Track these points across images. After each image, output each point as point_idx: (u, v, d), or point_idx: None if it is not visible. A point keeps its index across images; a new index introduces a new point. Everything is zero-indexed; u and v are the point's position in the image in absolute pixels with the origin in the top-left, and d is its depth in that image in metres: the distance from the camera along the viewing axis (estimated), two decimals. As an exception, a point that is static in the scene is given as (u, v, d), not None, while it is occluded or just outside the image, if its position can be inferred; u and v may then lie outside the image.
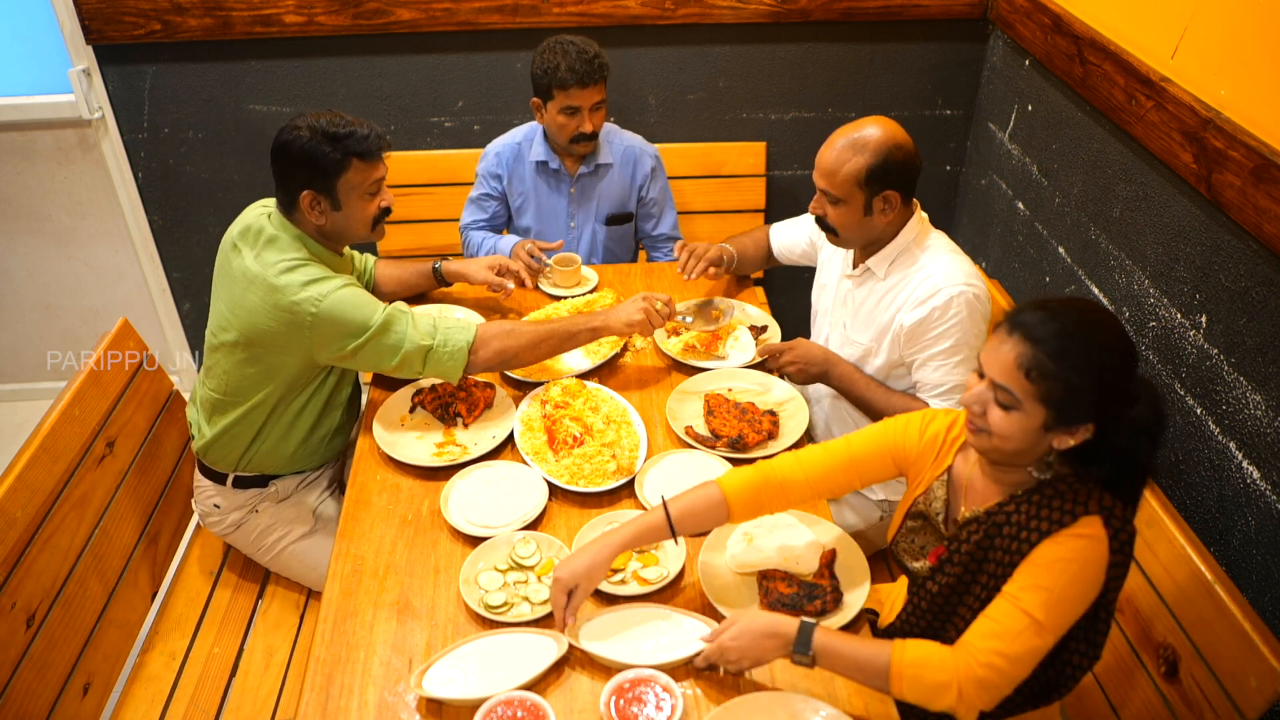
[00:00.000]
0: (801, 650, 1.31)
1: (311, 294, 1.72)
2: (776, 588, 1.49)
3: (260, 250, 1.77)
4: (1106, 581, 1.27)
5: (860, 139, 1.76)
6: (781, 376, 2.01)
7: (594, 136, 2.38)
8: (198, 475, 1.99)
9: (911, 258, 1.85)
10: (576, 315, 1.99)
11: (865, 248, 1.90)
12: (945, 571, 1.40)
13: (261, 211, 1.84)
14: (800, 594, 1.48)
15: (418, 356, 1.79)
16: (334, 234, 1.82)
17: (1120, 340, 1.26)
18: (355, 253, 2.16)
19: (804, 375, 1.95)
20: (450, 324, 1.83)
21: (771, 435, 1.85)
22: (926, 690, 1.26)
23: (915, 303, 1.81)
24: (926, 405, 1.83)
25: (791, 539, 1.58)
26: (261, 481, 1.96)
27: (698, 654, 1.38)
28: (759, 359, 2.02)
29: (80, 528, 1.74)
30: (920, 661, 1.27)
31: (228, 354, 1.82)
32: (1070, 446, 1.27)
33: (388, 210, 1.85)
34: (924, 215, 1.89)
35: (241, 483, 1.95)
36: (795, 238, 2.24)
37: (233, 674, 1.86)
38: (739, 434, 1.82)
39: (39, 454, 1.65)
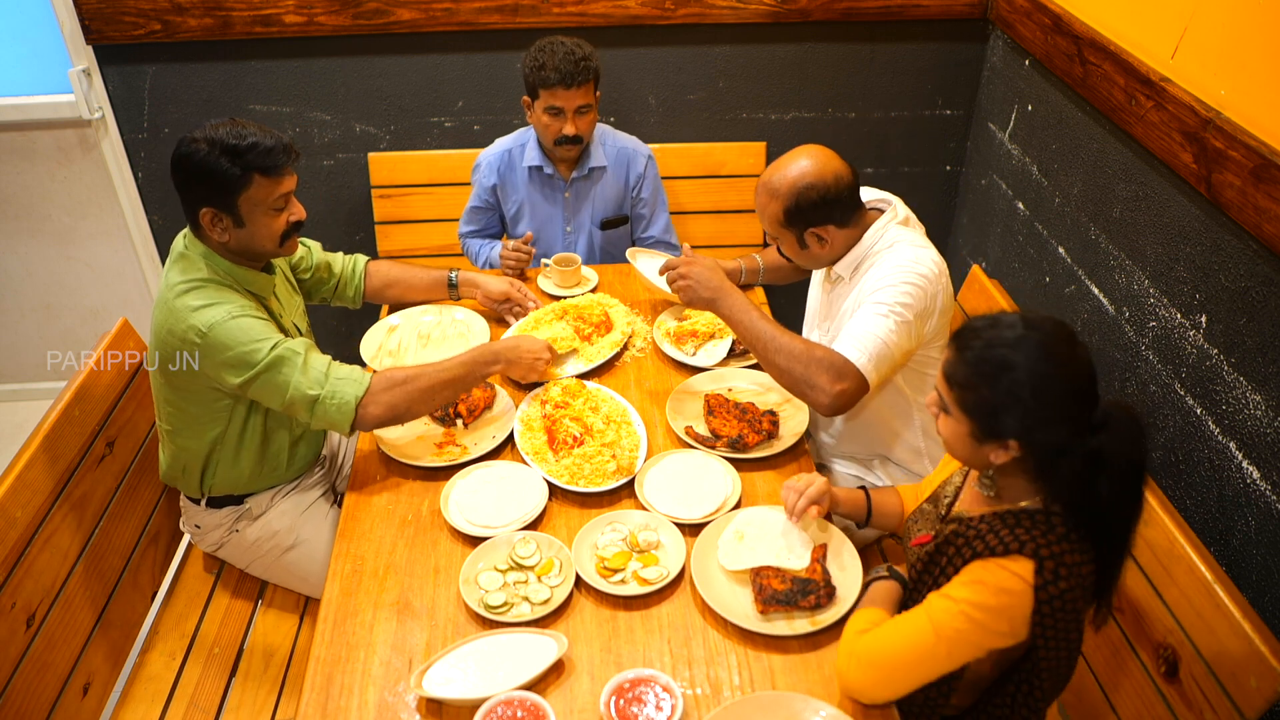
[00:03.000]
0: (875, 572, 1.50)
1: (198, 321, 1.63)
2: (770, 584, 1.50)
3: (169, 268, 1.72)
4: (1031, 630, 1.25)
5: (771, 184, 1.78)
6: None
7: (578, 141, 2.35)
8: (181, 497, 1.95)
9: (875, 259, 1.82)
10: (476, 354, 1.85)
11: (834, 261, 1.89)
12: (914, 569, 1.44)
13: (180, 238, 1.76)
14: (794, 590, 1.48)
15: (303, 405, 1.68)
16: (240, 251, 1.72)
17: (1052, 364, 1.22)
18: (341, 254, 2.15)
19: (692, 296, 1.86)
20: (343, 374, 1.71)
21: (771, 435, 1.85)
22: (840, 645, 1.38)
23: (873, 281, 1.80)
24: (813, 345, 1.77)
25: (782, 535, 1.58)
26: (236, 500, 1.89)
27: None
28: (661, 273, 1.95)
29: (80, 527, 1.74)
30: (846, 628, 1.38)
31: (155, 378, 1.77)
32: (1003, 461, 1.28)
33: (298, 224, 1.75)
34: (902, 213, 1.86)
35: (215, 503, 1.89)
36: None
37: (232, 674, 1.86)
38: (739, 434, 1.82)
39: (39, 454, 1.66)
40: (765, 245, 2.20)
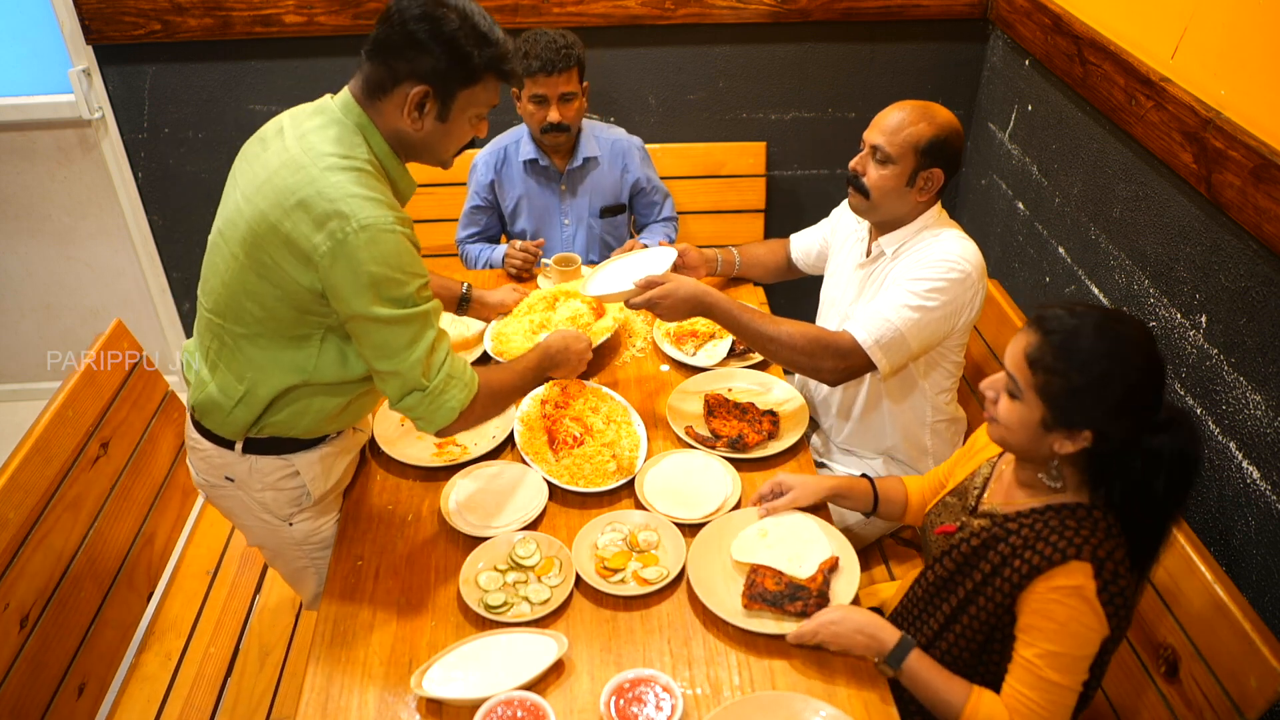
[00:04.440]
0: (893, 663, 1.36)
1: (357, 208, 1.33)
2: (763, 583, 1.49)
3: (310, 130, 1.41)
4: (1108, 621, 1.27)
5: (930, 110, 1.78)
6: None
7: (565, 129, 2.36)
8: (195, 431, 1.61)
9: (920, 240, 1.84)
10: (540, 360, 1.76)
11: (883, 230, 1.89)
12: (944, 564, 1.42)
13: (321, 99, 1.49)
14: (784, 593, 1.48)
15: (401, 384, 1.45)
16: (415, 146, 1.48)
17: (1138, 355, 1.24)
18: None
19: (677, 314, 1.82)
20: (457, 372, 1.49)
21: (772, 435, 1.85)
22: None
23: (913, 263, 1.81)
24: (821, 329, 1.79)
25: (802, 541, 1.58)
26: (278, 447, 1.59)
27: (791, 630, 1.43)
28: (638, 312, 1.91)
29: (75, 528, 1.74)
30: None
31: (238, 273, 1.43)
32: (1069, 452, 1.28)
33: (477, 141, 1.55)
34: (944, 211, 1.90)
35: (255, 447, 1.58)
36: (811, 240, 2.23)
37: (228, 674, 1.86)
38: (739, 434, 1.82)
39: (31, 455, 1.65)
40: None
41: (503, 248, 2.47)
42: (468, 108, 1.45)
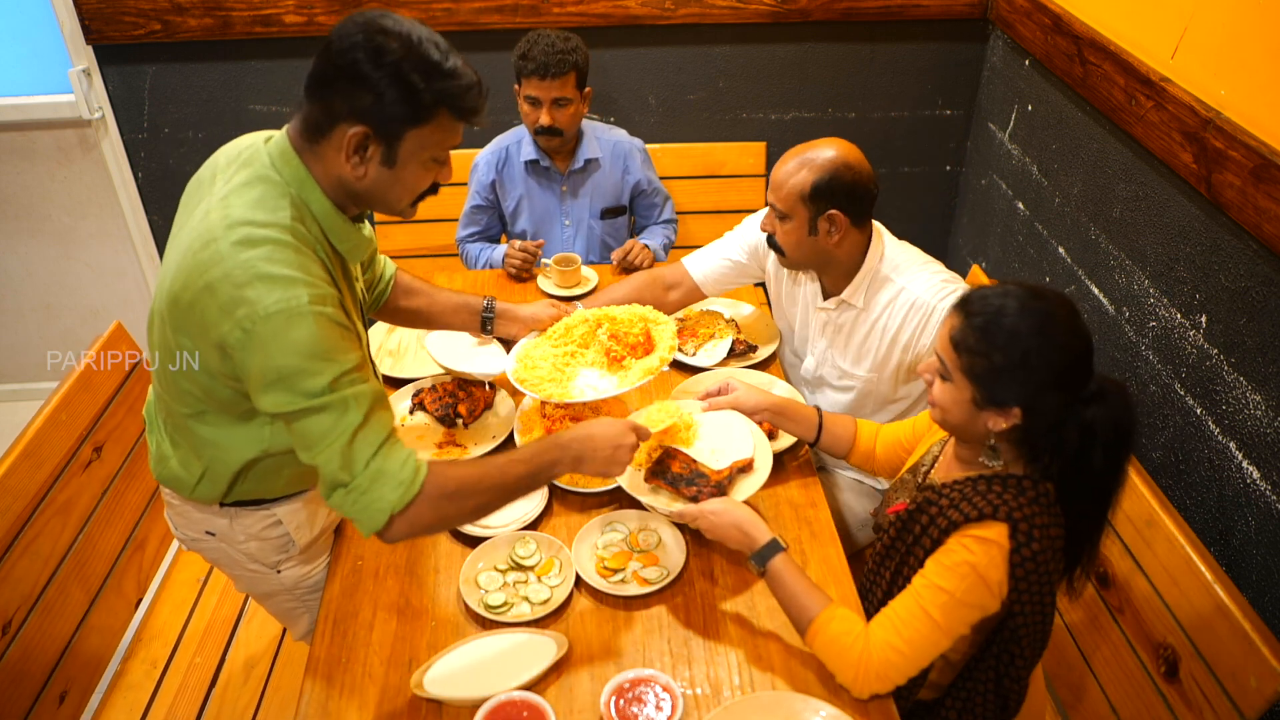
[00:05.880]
0: (758, 561, 1.42)
1: (265, 296, 1.17)
2: (671, 463, 1.53)
3: (231, 192, 1.24)
4: (1009, 594, 1.27)
5: (809, 157, 1.76)
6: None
7: (557, 132, 2.36)
8: (170, 494, 1.53)
9: (885, 282, 1.83)
10: (542, 455, 1.40)
11: (826, 275, 1.89)
12: (888, 534, 1.45)
13: (256, 140, 1.32)
14: (684, 476, 1.52)
15: (324, 482, 1.26)
16: (361, 196, 1.30)
17: (1060, 333, 1.26)
18: (374, 247, 1.63)
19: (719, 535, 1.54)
20: (392, 468, 1.25)
21: (771, 435, 1.84)
22: (830, 660, 1.35)
23: (919, 328, 1.80)
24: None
25: (729, 439, 1.62)
26: (258, 502, 1.51)
27: (680, 509, 1.50)
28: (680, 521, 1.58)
29: (63, 533, 1.72)
30: (835, 637, 1.34)
31: (174, 347, 1.30)
32: (1002, 429, 1.30)
33: (437, 188, 1.34)
34: (882, 233, 1.88)
35: (237, 504, 1.50)
36: (720, 263, 2.05)
37: (212, 685, 1.84)
38: (739, 434, 1.82)
39: (21, 460, 1.64)
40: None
41: (503, 247, 2.48)
42: (419, 150, 1.25)
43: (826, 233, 1.79)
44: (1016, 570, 1.26)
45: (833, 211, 1.76)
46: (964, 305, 1.32)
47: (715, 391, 1.75)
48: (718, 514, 1.46)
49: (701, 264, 2.08)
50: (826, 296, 1.93)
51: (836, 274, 1.87)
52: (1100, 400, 1.25)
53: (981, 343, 1.28)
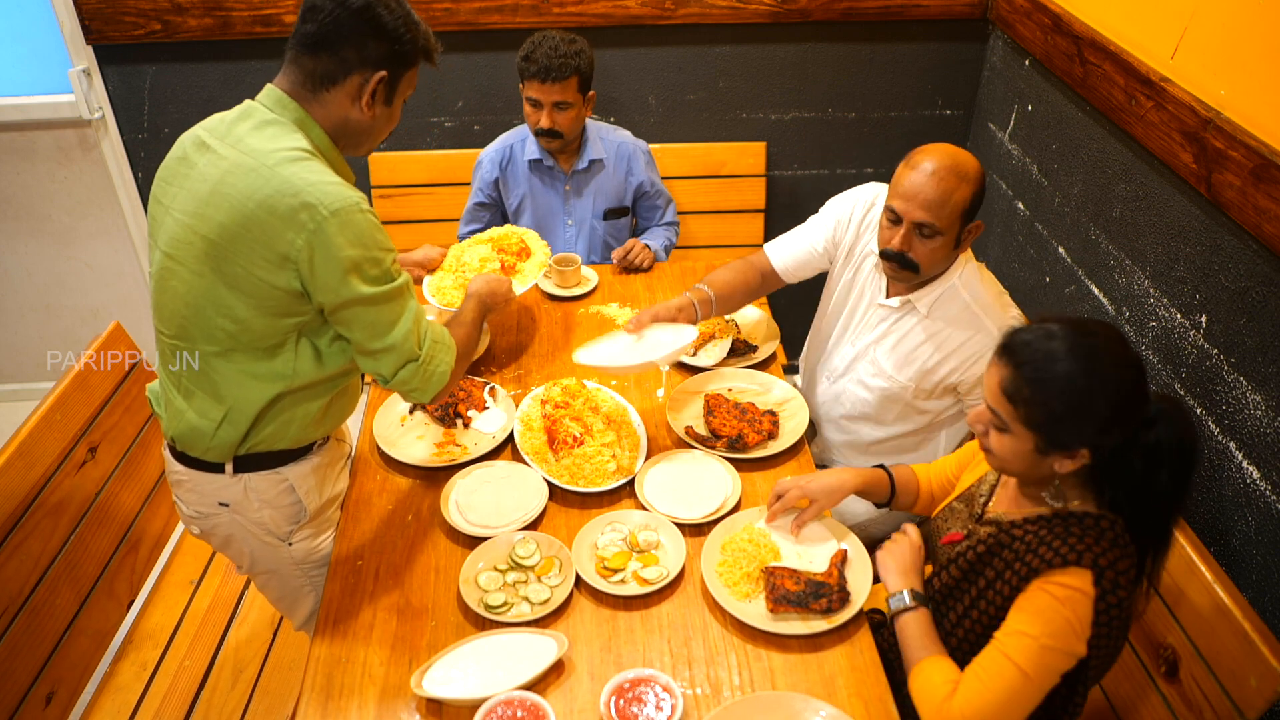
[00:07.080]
0: (894, 604, 1.42)
1: (323, 196, 1.31)
2: (784, 585, 1.49)
3: (244, 136, 1.38)
4: (1090, 640, 1.25)
5: (959, 166, 1.66)
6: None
7: (557, 135, 2.36)
8: (173, 458, 1.57)
9: (955, 296, 1.79)
10: (477, 309, 1.71)
11: (914, 284, 1.82)
12: (950, 571, 1.41)
13: (230, 111, 1.46)
14: (806, 592, 1.48)
15: (395, 359, 1.44)
16: (358, 133, 1.48)
17: (1113, 366, 1.23)
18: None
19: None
20: (437, 336, 1.51)
21: (771, 435, 1.85)
22: (918, 704, 1.34)
23: (972, 357, 1.79)
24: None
25: (807, 539, 1.59)
26: (269, 461, 1.55)
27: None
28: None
29: (54, 534, 1.71)
30: (925, 684, 1.32)
31: (206, 291, 1.38)
32: (1070, 471, 1.27)
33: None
34: (970, 250, 1.86)
35: (245, 464, 1.54)
36: (803, 252, 2.02)
37: (201, 687, 1.83)
38: (739, 434, 1.82)
39: (13, 460, 1.63)
40: (761, 245, 2.16)
41: None
42: (405, 90, 1.50)
43: (968, 238, 1.75)
44: (1100, 617, 1.24)
45: (976, 221, 1.73)
46: (1009, 353, 1.27)
47: (782, 507, 1.63)
48: (891, 550, 1.48)
49: (783, 251, 2.05)
50: (890, 294, 1.88)
51: (925, 285, 1.82)
52: (1162, 421, 1.23)
53: (1038, 393, 1.24)
